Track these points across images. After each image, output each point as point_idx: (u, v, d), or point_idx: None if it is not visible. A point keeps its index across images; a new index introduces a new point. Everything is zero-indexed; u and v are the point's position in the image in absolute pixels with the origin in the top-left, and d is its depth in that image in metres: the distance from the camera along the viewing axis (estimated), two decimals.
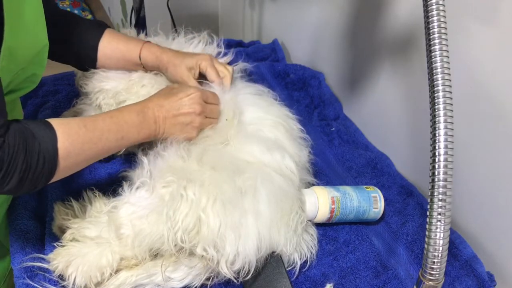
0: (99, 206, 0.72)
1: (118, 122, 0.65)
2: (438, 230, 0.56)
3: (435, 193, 0.56)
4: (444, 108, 0.55)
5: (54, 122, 0.58)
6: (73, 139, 0.59)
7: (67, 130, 0.58)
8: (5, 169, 0.52)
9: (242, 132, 0.77)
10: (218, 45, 0.94)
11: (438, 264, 0.57)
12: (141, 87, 0.83)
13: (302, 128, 0.85)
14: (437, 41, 0.55)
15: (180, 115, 0.72)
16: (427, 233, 0.57)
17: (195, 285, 0.67)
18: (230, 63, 0.91)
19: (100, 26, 0.83)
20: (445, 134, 0.55)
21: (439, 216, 0.56)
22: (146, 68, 0.85)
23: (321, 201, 0.78)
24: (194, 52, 0.89)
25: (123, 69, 0.85)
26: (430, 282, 0.59)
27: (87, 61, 0.83)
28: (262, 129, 0.79)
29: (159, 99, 0.71)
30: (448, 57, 0.55)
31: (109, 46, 0.82)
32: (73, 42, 0.80)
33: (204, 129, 0.76)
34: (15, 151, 0.53)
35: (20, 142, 0.54)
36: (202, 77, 0.84)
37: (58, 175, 0.59)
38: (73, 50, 0.81)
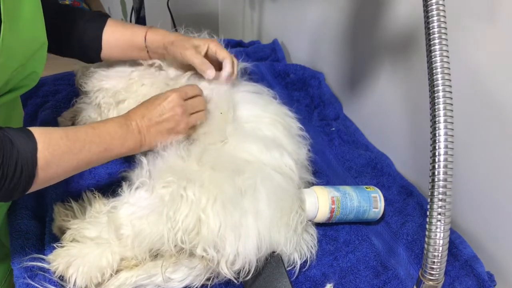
0: (99, 206, 0.72)
1: (100, 133, 0.63)
2: (438, 230, 0.56)
3: (435, 193, 0.56)
4: (444, 108, 0.55)
5: (35, 130, 0.56)
6: (54, 149, 0.57)
7: (47, 139, 0.56)
8: None
9: (239, 130, 0.77)
10: None
11: (438, 264, 0.57)
12: (140, 86, 0.83)
13: (301, 126, 0.85)
14: (437, 41, 0.55)
15: (164, 121, 0.71)
16: (427, 233, 0.57)
17: (196, 286, 0.67)
18: None
19: (102, 16, 0.83)
20: (445, 134, 0.55)
21: (439, 216, 0.56)
22: (150, 51, 0.83)
23: (321, 201, 0.78)
24: None
25: (126, 56, 0.84)
26: (430, 282, 0.59)
27: (91, 51, 0.82)
28: (259, 127, 0.79)
29: (140, 110, 0.70)
30: (448, 57, 0.55)
31: (112, 34, 0.81)
32: (76, 34, 0.80)
33: (196, 125, 0.75)
34: None
35: None
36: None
37: (36, 186, 0.57)
38: (77, 42, 0.80)
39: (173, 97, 0.71)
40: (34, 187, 0.57)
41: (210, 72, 0.80)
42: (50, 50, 0.69)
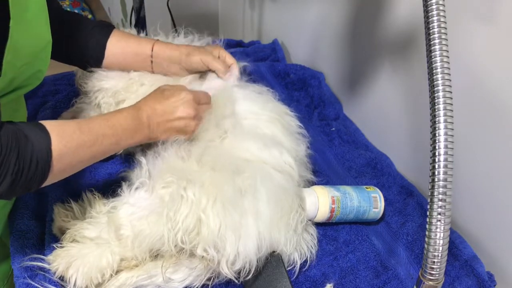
0: (99, 207, 0.72)
1: (113, 126, 0.64)
2: (438, 230, 0.56)
3: (435, 193, 0.55)
4: (444, 108, 0.55)
5: (48, 124, 0.57)
6: (67, 141, 0.58)
7: (61, 132, 0.57)
8: None
9: (238, 127, 0.77)
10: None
11: (438, 264, 0.57)
12: (140, 86, 0.83)
13: (300, 124, 0.85)
14: (437, 41, 0.55)
15: (175, 120, 0.71)
16: (427, 233, 0.57)
17: (196, 286, 0.67)
18: None
19: (108, 26, 0.83)
20: (445, 134, 0.55)
21: (439, 216, 0.56)
22: (154, 62, 0.84)
23: (321, 201, 0.78)
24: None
25: (128, 66, 0.84)
26: (430, 282, 0.59)
27: (93, 60, 0.82)
28: (258, 125, 0.79)
29: (152, 102, 0.70)
30: (448, 57, 0.55)
31: (118, 44, 0.81)
32: (80, 41, 0.80)
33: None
34: (7, 153, 0.52)
35: (12, 144, 0.52)
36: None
37: (52, 178, 0.58)
38: (79, 49, 0.80)
39: (189, 98, 0.72)
40: (50, 179, 0.58)
41: (229, 74, 0.85)
42: (51, 55, 0.69)
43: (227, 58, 0.87)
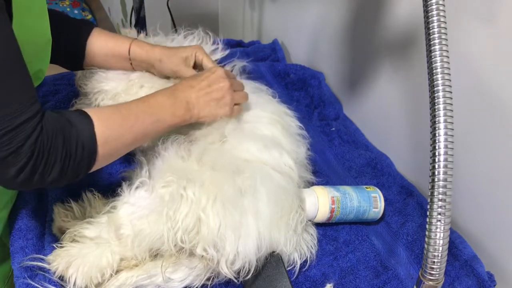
0: (99, 206, 0.72)
1: (151, 105, 0.66)
2: (438, 230, 0.56)
3: (435, 193, 0.56)
4: (444, 108, 0.55)
5: (88, 110, 0.59)
6: (109, 123, 0.59)
7: (101, 116, 0.59)
8: (46, 158, 0.52)
9: (238, 130, 0.77)
10: (214, 42, 0.94)
11: (438, 264, 0.57)
12: (140, 88, 0.83)
13: (301, 125, 0.85)
14: (437, 41, 0.55)
15: (212, 91, 0.73)
16: (427, 233, 0.57)
17: (196, 286, 0.67)
18: (225, 62, 0.91)
19: (88, 24, 0.82)
20: (445, 134, 0.55)
21: (439, 216, 0.56)
22: (134, 64, 0.83)
23: (321, 201, 0.78)
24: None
25: (109, 65, 0.84)
26: (430, 282, 0.59)
27: (74, 59, 0.82)
28: (258, 127, 0.79)
29: (188, 81, 0.73)
30: (448, 57, 0.55)
31: (97, 43, 0.81)
32: (60, 40, 0.79)
33: (240, 106, 0.78)
34: (54, 139, 0.52)
35: (58, 129, 0.53)
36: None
37: (99, 163, 0.59)
38: (60, 48, 0.79)
39: (220, 71, 0.75)
40: (98, 164, 0.59)
41: None
42: None
43: (204, 62, 0.83)
